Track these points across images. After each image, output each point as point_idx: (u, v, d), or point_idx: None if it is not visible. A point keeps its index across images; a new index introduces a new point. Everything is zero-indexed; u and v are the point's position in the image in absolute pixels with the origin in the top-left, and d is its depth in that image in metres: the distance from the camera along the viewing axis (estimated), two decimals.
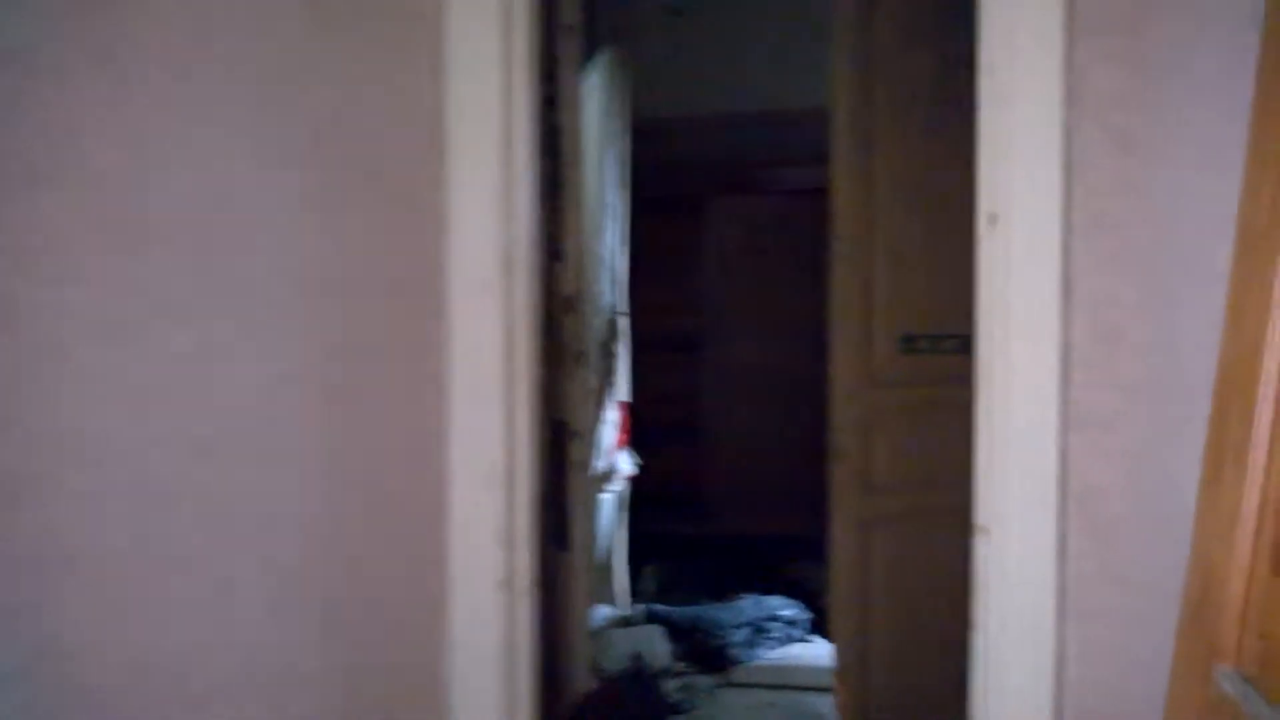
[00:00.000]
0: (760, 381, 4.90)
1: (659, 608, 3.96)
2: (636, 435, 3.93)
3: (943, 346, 2.66)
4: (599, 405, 3.69)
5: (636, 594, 4.17)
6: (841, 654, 2.69)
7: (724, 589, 4.09)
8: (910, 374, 2.65)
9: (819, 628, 3.77)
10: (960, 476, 2.71)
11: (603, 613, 3.77)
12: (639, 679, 3.34)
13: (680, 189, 4.88)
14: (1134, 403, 1.46)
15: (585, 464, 3.10)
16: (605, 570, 3.91)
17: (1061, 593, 1.49)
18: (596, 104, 3.63)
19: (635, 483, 3.97)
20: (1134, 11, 1.43)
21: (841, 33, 2.60)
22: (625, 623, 3.83)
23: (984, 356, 1.62)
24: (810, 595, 3.96)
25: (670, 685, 3.40)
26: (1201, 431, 1.40)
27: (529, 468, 2.03)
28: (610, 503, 3.90)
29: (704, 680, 3.48)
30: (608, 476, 3.80)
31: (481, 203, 1.87)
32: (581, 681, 2.91)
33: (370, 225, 1.83)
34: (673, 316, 4.92)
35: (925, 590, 2.59)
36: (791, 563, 4.36)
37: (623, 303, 3.74)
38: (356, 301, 1.83)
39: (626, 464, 3.87)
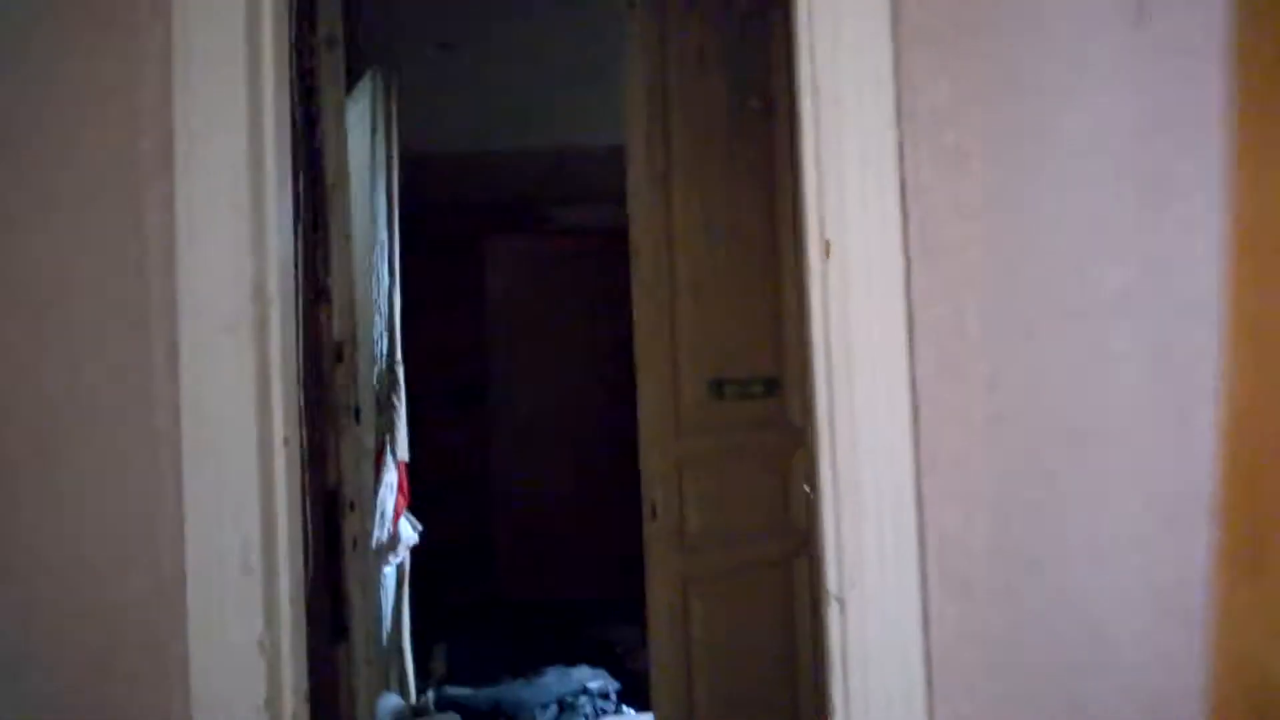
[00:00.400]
0: (556, 432, 4.65)
1: (454, 691, 3.58)
2: (418, 497, 3.54)
3: (751, 390, 2.54)
4: (378, 468, 3.29)
5: (426, 676, 3.75)
6: None
7: (526, 663, 3.77)
8: (720, 420, 2.50)
9: (631, 696, 3.53)
10: (778, 527, 2.62)
11: (389, 704, 3.33)
12: None
13: (459, 228, 4.58)
14: (983, 442, 1.34)
15: (364, 539, 2.71)
16: (391, 654, 3.48)
17: (928, 664, 1.33)
18: (363, 131, 3.29)
19: (419, 550, 3.57)
20: (965, 19, 1.33)
21: (635, 60, 2.44)
22: (416, 713, 3.41)
23: (821, 402, 1.45)
24: (620, 660, 3.72)
25: None
26: (1056, 470, 1.30)
27: (294, 551, 1.66)
28: (391, 577, 3.48)
29: None
30: (390, 547, 3.39)
31: (225, 226, 1.51)
32: None
33: (73, 248, 1.44)
34: (454, 365, 4.59)
35: (752, 650, 2.43)
36: (599, 625, 4.11)
37: (398, 350, 3.37)
38: (56, 344, 1.42)
39: (408, 531, 3.47)
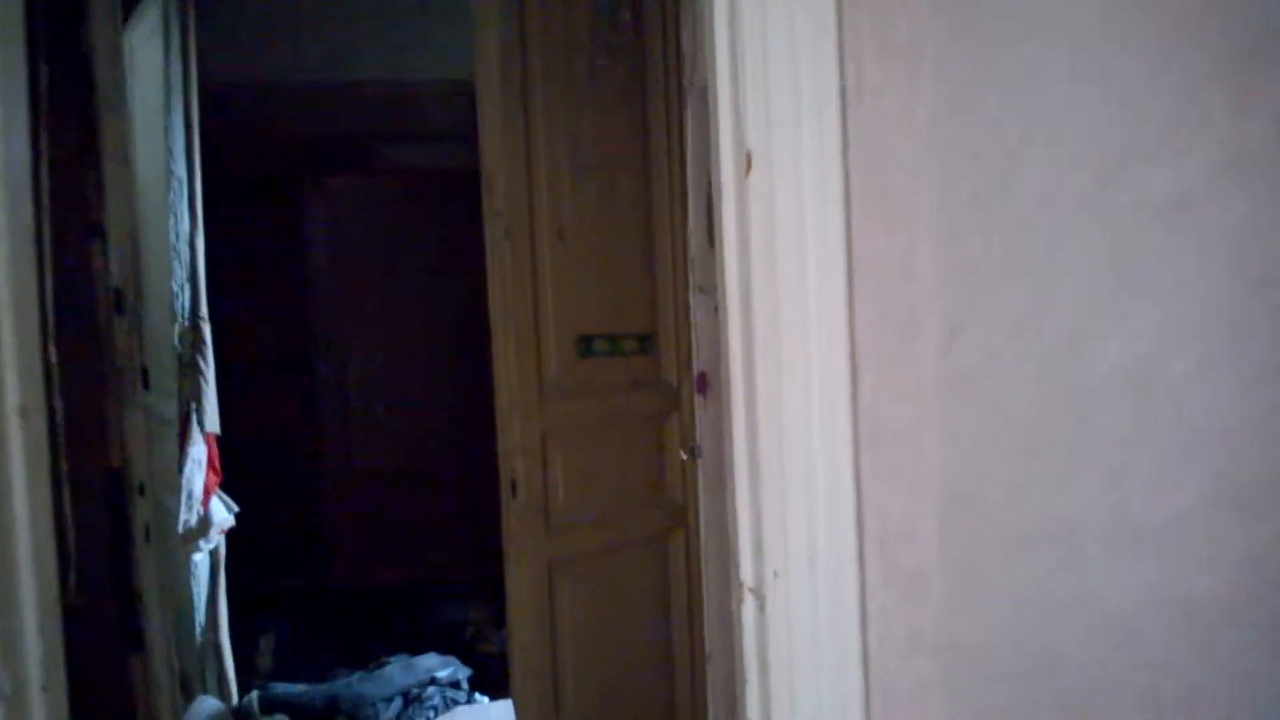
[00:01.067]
0: (393, 398, 4.21)
1: (282, 689, 3.17)
2: (235, 474, 3.08)
3: (623, 348, 2.26)
4: (183, 441, 2.81)
5: (250, 672, 3.32)
6: None
7: (366, 652, 3.39)
8: (589, 382, 2.22)
9: (484, 683, 3.23)
10: (653, 500, 2.37)
11: (205, 709, 2.89)
12: None
13: (277, 167, 4.03)
14: (938, 409, 1.10)
15: (159, 526, 2.27)
16: (206, 651, 3.03)
17: (866, 668, 1.11)
18: (155, 49, 2.75)
19: (237, 533, 3.11)
20: None
21: None
22: (239, 717, 2.99)
23: (736, 361, 1.18)
24: (470, 644, 3.41)
25: None
26: (1045, 442, 1.07)
27: (42, 559, 1.27)
28: (204, 564, 3.02)
29: None
30: (200, 532, 2.93)
31: None
32: None
33: None
34: (274, 324, 4.05)
35: (625, 635, 2.18)
36: (446, 605, 3.78)
37: (203, 305, 2.87)
38: None
39: (221, 513, 3.00)
